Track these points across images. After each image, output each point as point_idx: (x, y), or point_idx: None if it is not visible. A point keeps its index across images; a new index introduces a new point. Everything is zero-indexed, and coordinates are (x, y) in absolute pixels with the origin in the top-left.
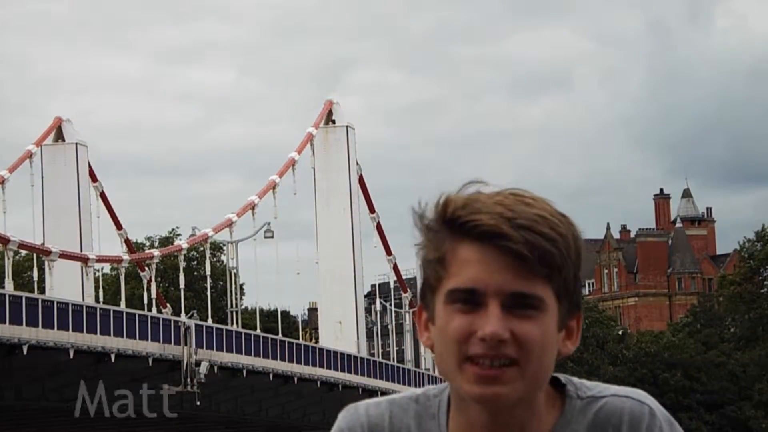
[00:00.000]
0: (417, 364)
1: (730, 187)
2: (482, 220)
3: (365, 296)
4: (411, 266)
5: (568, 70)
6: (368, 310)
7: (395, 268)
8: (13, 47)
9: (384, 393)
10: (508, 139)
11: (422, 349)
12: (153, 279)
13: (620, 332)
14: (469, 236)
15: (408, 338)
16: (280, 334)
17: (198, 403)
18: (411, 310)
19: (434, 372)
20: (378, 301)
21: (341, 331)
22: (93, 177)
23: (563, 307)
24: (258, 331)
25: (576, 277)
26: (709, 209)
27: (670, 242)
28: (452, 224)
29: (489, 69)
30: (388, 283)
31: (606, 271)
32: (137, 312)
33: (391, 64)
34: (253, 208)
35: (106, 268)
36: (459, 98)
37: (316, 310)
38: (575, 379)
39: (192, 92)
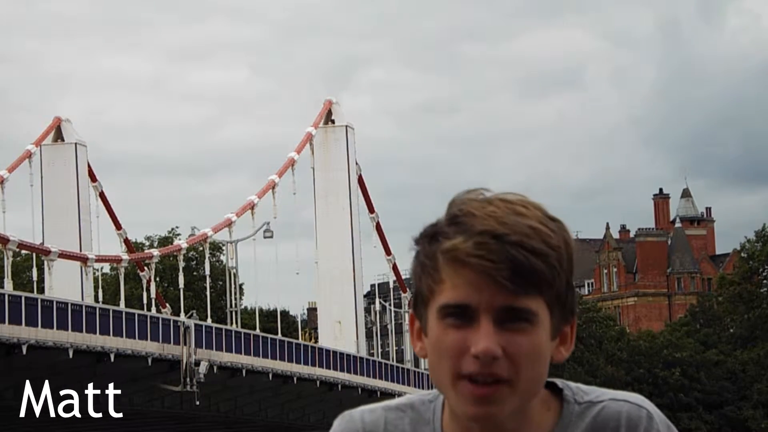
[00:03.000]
0: (416, 364)
1: (741, 186)
2: (470, 254)
3: (364, 296)
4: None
5: (579, 69)
6: (367, 310)
7: (395, 268)
8: (24, 47)
9: (383, 393)
10: (518, 138)
11: None
12: (152, 279)
13: (617, 330)
14: (459, 263)
15: (407, 338)
16: (279, 334)
17: (197, 402)
18: (410, 310)
19: None
20: (377, 300)
21: (340, 331)
22: (92, 177)
23: (556, 316)
24: (257, 330)
25: (569, 284)
26: (708, 209)
27: (669, 242)
28: (444, 252)
29: (499, 68)
30: (388, 282)
31: (605, 270)
32: (137, 312)
33: (401, 63)
34: (252, 208)
35: (106, 267)
36: (469, 97)
37: (315, 309)
38: (572, 384)
39: (203, 92)
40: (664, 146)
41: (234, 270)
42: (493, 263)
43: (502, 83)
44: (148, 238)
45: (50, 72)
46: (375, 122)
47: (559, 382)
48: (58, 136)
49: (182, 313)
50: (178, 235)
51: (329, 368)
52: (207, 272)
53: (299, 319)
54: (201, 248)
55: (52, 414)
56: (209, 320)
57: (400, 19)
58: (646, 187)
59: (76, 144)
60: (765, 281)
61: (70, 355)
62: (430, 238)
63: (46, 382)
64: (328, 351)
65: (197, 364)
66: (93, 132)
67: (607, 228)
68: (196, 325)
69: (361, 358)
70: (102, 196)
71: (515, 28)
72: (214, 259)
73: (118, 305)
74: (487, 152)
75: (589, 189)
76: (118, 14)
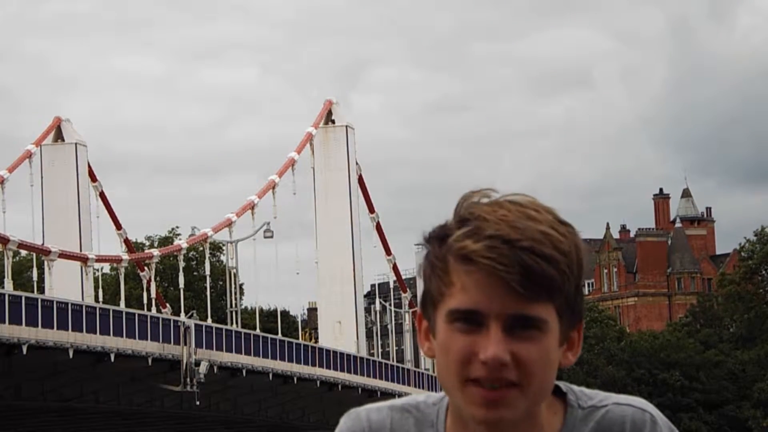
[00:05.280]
0: (416, 364)
1: (751, 185)
2: (481, 255)
3: (365, 296)
4: (410, 266)
5: (588, 68)
6: (368, 310)
7: (395, 268)
8: (33, 47)
9: (383, 393)
10: (528, 137)
11: None
12: (152, 279)
13: (618, 331)
14: (470, 264)
15: (407, 338)
16: (279, 334)
17: (197, 402)
18: (410, 310)
19: (434, 372)
20: (377, 301)
21: (341, 331)
22: (92, 177)
23: (565, 323)
24: (257, 330)
25: (578, 289)
26: (708, 209)
27: (669, 242)
28: (454, 254)
29: (509, 67)
30: (388, 283)
31: (605, 270)
32: (137, 312)
33: (410, 62)
34: (252, 208)
35: (106, 267)
36: (479, 97)
37: (315, 309)
38: (576, 388)
39: (213, 91)
40: (673, 146)
41: (234, 270)
42: (504, 266)
43: (512, 83)
44: (148, 238)
45: (59, 72)
46: (384, 122)
47: (562, 385)
48: (58, 136)
49: (182, 313)
50: (179, 235)
51: (329, 368)
52: (207, 272)
53: (299, 319)
54: (201, 248)
55: (53, 413)
56: (209, 320)
57: (410, 18)
58: (655, 187)
59: (76, 144)
60: (764, 282)
61: (71, 355)
62: (440, 240)
63: (47, 382)
64: (328, 351)
65: (197, 364)
66: (102, 132)
67: (607, 228)
68: (196, 325)
69: (361, 358)
70: (102, 196)
71: (525, 27)
72: (215, 259)
73: (118, 305)
74: (496, 152)
75: (597, 189)
76: (127, 14)
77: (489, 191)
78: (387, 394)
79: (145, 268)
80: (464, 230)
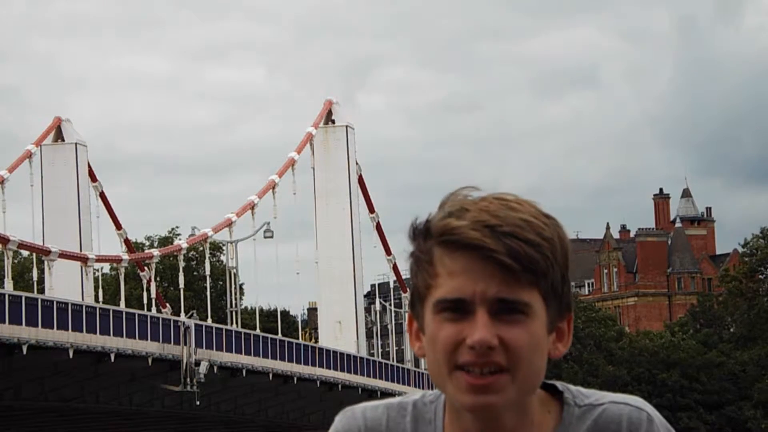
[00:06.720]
0: (416, 363)
1: (757, 185)
2: (465, 232)
3: (365, 296)
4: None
5: (594, 67)
6: (368, 310)
7: (395, 268)
8: (39, 47)
9: (383, 393)
10: (533, 137)
11: None
12: (152, 279)
13: (617, 330)
14: (454, 246)
15: (407, 338)
16: (279, 334)
17: (197, 402)
18: (408, 311)
19: None
20: (378, 301)
21: (341, 331)
22: (92, 177)
23: (552, 310)
24: (258, 330)
25: (564, 279)
26: (708, 209)
27: (669, 242)
28: (438, 235)
29: (515, 67)
30: (388, 283)
31: (605, 270)
32: (137, 312)
33: (416, 62)
34: (252, 208)
35: (106, 267)
36: (485, 96)
37: (315, 310)
38: (572, 387)
39: (218, 91)
40: (679, 145)
41: (234, 270)
42: (488, 250)
43: (517, 82)
44: (148, 238)
45: (65, 72)
46: (390, 122)
47: (559, 384)
48: (59, 136)
49: (182, 313)
50: (179, 235)
51: (329, 368)
52: (207, 272)
53: (299, 319)
54: (201, 248)
55: (53, 413)
56: (209, 320)
57: (416, 18)
58: (663, 186)
59: (76, 144)
60: (766, 280)
61: (71, 355)
62: (424, 234)
63: (47, 382)
64: (328, 351)
65: (197, 364)
66: (108, 131)
67: (608, 228)
68: (196, 325)
69: (361, 358)
70: (102, 196)
71: (531, 27)
72: (215, 259)
73: (118, 305)
74: (502, 151)
75: (606, 188)
76: (133, 13)
77: (472, 189)
78: (387, 394)
79: (145, 268)
80: (447, 216)
